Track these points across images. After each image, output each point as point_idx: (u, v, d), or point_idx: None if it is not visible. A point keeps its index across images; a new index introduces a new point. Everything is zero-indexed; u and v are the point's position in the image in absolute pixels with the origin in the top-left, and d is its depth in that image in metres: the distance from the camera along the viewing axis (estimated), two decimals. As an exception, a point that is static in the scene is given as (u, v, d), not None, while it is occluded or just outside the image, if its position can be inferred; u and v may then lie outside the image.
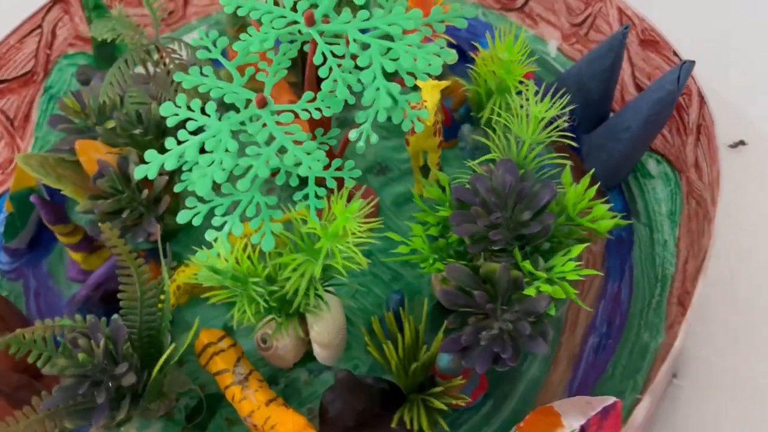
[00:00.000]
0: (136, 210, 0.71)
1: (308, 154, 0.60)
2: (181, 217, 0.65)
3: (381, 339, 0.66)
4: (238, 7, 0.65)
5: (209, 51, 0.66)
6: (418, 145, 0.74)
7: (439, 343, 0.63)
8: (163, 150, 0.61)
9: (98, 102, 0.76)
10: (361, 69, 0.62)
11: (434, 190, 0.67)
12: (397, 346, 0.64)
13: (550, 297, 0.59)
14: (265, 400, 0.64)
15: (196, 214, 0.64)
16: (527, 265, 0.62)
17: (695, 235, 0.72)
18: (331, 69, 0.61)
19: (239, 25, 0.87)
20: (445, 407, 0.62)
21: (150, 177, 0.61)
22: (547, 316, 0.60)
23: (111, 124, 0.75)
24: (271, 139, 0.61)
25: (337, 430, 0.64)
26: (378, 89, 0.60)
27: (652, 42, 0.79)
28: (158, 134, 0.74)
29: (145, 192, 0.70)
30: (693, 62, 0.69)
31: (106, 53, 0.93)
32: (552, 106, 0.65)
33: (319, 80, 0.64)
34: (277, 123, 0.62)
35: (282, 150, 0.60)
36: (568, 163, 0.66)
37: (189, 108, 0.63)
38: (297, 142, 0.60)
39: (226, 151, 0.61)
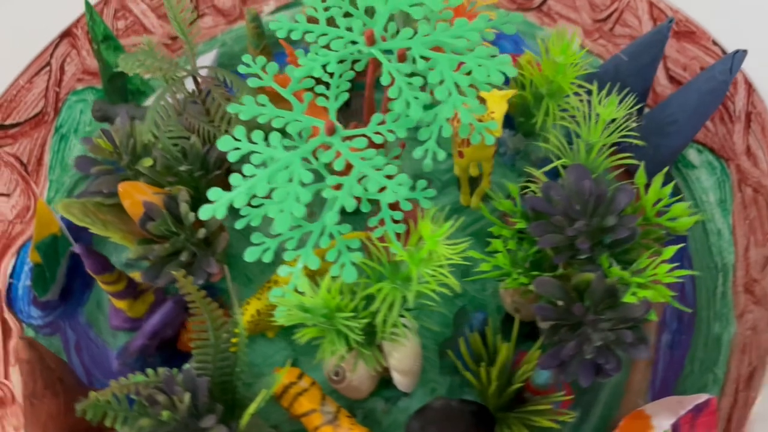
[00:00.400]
0: (189, 251, 0.67)
1: (389, 178, 0.57)
2: (250, 255, 0.62)
3: (469, 361, 0.64)
4: (291, 30, 0.63)
5: (260, 78, 0.64)
6: (474, 156, 0.72)
7: (533, 359, 0.62)
8: (224, 186, 0.58)
9: (132, 140, 0.72)
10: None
11: (506, 203, 0.65)
12: (490, 367, 0.63)
13: (649, 302, 0.58)
14: (360, 435, 0.61)
15: (265, 250, 0.61)
16: (616, 271, 0.61)
17: (756, 222, 0.73)
18: (401, 89, 0.58)
19: (262, 45, 0.84)
20: (555, 425, 0.60)
21: (219, 216, 0.58)
22: (645, 321, 0.59)
23: (148, 162, 0.71)
24: (347, 166, 0.58)
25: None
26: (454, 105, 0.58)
27: (688, 33, 0.79)
28: (206, 169, 0.70)
29: (202, 231, 0.66)
30: (745, 51, 0.69)
31: (116, 86, 0.88)
32: (620, 107, 0.64)
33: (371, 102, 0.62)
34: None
35: (362, 177, 0.57)
36: (641, 163, 0.65)
37: (251, 140, 0.60)
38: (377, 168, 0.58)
39: (302, 183, 0.58)
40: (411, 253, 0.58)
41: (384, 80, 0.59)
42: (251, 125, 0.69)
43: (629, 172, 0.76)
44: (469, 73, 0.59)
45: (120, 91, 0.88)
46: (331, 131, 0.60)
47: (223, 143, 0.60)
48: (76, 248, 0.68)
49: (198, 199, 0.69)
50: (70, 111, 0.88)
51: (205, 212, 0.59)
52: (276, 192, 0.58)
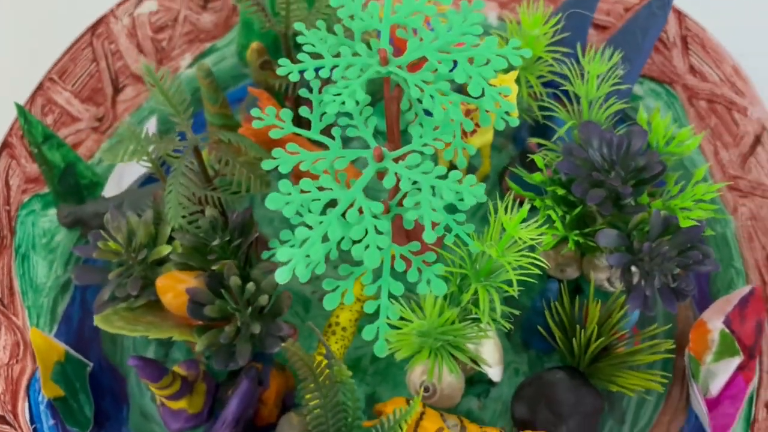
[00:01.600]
0: (256, 321, 0.64)
1: (460, 182, 0.58)
2: (329, 303, 0.61)
3: (556, 330, 0.67)
4: (320, 68, 0.61)
5: (281, 128, 0.62)
6: (479, 143, 0.74)
7: (617, 308, 0.66)
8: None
9: (140, 233, 0.67)
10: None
11: (537, 176, 0.69)
12: (580, 334, 0.66)
13: (703, 222, 0.64)
14: (497, 436, 0.62)
15: (343, 293, 0.61)
16: (659, 203, 0.66)
17: (719, 127, 0.81)
18: (432, 96, 0.59)
19: (221, 99, 0.80)
20: (655, 357, 0.65)
21: (301, 277, 0.56)
22: (704, 238, 0.65)
23: (177, 248, 0.67)
24: (413, 186, 0.58)
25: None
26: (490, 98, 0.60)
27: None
28: (238, 234, 0.67)
29: (264, 297, 0.63)
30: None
31: (68, 185, 0.80)
32: (605, 60, 0.69)
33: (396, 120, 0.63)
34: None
35: (434, 191, 0.58)
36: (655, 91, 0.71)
37: (302, 191, 0.59)
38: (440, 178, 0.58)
39: (373, 215, 0.58)
40: (491, 246, 0.59)
41: (414, 93, 0.59)
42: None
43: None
44: (487, 63, 0.61)
45: (74, 189, 0.81)
46: (381, 156, 0.59)
47: (273, 201, 0.58)
48: (132, 362, 0.63)
49: (240, 269, 0.66)
50: (24, 227, 0.80)
51: (283, 275, 0.57)
52: (353, 230, 0.57)
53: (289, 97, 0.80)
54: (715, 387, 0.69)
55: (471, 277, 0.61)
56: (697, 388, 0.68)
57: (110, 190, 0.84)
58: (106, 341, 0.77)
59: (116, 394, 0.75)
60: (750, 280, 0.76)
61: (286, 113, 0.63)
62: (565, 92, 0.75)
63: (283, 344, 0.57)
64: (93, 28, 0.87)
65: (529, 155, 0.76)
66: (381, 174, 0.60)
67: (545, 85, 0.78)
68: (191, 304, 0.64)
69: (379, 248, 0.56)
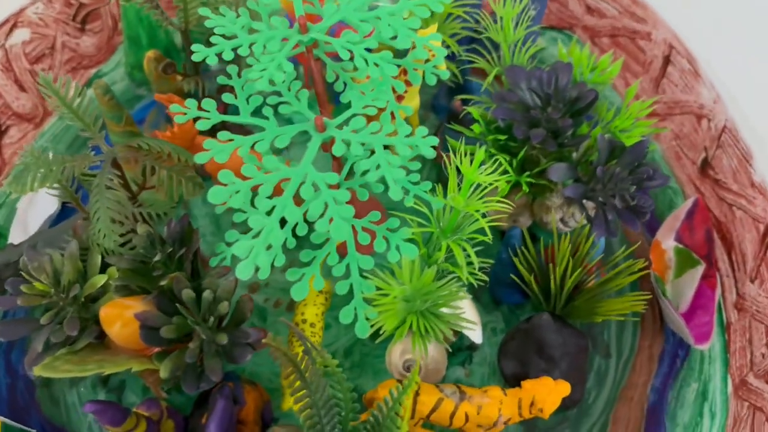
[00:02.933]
0: (222, 331, 0.58)
1: (413, 137, 0.55)
2: (297, 293, 0.56)
3: (529, 279, 0.66)
4: (238, 47, 0.57)
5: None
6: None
7: (585, 239, 0.65)
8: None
9: (77, 265, 0.59)
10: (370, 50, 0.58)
11: (476, 127, 0.67)
12: (555, 273, 0.64)
13: (646, 139, 0.64)
14: (498, 391, 0.60)
15: (310, 279, 0.57)
16: (599, 129, 0.66)
17: (631, 56, 0.83)
18: (364, 59, 0.56)
19: (125, 116, 0.74)
20: (631, 278, 0.64)
21: (263, 269, 0.52)
22: (648, 155, 0.65)
23: (101, 280, 0.60)
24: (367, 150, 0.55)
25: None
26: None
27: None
28: (179, 245, 0.60)
29: (224, 305, 0.57)
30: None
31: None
32: (515, 3, 0.69)
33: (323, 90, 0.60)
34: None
35: (388, 151, 0.55)
36: (558, 38, 0.71)
37: (245, 177, 0.54)
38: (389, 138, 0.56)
39: (328, 186, 0.54)
40: (455, 198, 0.57)
41: (343, 55, 0.56)
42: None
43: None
44: (410, 15, 0.59)
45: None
46: (323, 126, 0.56)
47: (216, 194, 0.54)
48: (89, 407, 0.55)
49: (190, 280, 0.60)
50: None
51: (244, 271, 0.52)
52: (312, 206, 0.53)
53: (199, 96, 0.75)
54: (685, 301, 0.70)
55: (439, 236, 0.59)
56: (669, 304, 0.68)
57: (16, 238, 0.75)
58: (45, 403, 0.69)
59: (70, 459, 0.66)
60: (687, 195, 0.77)
61: (209, 103, 0.58)
62: (482, 44, 0.74)
63: (264, 340, 0.51)
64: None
65: (459, 114, 0.75)
66: (326, 146, 0.56)
67: (459, 43, 0.77)
68: (144, 330, 0.57)
69: (344, 219, 0.53)
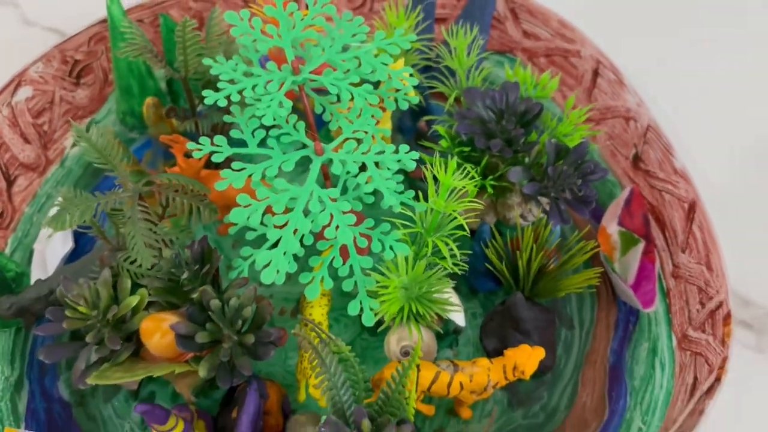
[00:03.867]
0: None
1: (398, 154, 0.67)
2: (310, 293, 0.66)
3: (499, 265, 0.77)
4: (242, 89, 0.67)
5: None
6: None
7: (543, 228, 0.77)
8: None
9: (110, 290, 0.68)
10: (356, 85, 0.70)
11: (444, 142, 0.79)
12: (521, 258, 0.76)
13: (586, 141, 0.77)
14: (486, 361, 0.70)
15: (321, 280, 0.67)
16: (546, 136, 0.79)
17: (564, 72, 0.96)
18: (351, 93, 0.68)
19: (131, 158, 0.83)
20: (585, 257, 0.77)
21: (282, 272, 0.62)
22: (588, 154, 0.78)
23: (134, 300, 0.69)
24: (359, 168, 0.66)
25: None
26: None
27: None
28: (202, 263, 0.70)
29: (248, 310, 0.67)
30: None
31: (-6, 283, 0.79)
32: (466, 35, 0.81)
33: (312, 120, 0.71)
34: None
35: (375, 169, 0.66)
36: (503, 61, 0.83)
37: (260, 199, 0.64)
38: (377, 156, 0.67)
39: (330, 199, 0.64)
40: (435, 201, 0.68)
41: (332, 90, 0.67)
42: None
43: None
44: (376, 55, 0.70)
45: (1, 284, 0.79)
46: (322, 150, 0.66)
47: (237, 215, 0.63)
48: (140, 408, 0.64)
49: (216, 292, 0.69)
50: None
51: (268, 276, 0.62)
52: (319, 218, 0.64)
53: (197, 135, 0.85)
54: (631, 274, 0.82)
55: (424, 234, 0.70)
56: (618, 278, 0.80)
57: (37, 273, 0.83)
58: (83, 421, 0.76)
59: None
60: (623, 185, 0.90)
61: (221, 139, 0.68)
62: (438, 71, 0.86)
63: (293, 331, 0.61)
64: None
65: (425, 134, 0.86)
66: (325, 166, 0.67)
67: (419, 72, 0.89)
68: (180, 338, 0.66)
69: (348, 226, 0.63)
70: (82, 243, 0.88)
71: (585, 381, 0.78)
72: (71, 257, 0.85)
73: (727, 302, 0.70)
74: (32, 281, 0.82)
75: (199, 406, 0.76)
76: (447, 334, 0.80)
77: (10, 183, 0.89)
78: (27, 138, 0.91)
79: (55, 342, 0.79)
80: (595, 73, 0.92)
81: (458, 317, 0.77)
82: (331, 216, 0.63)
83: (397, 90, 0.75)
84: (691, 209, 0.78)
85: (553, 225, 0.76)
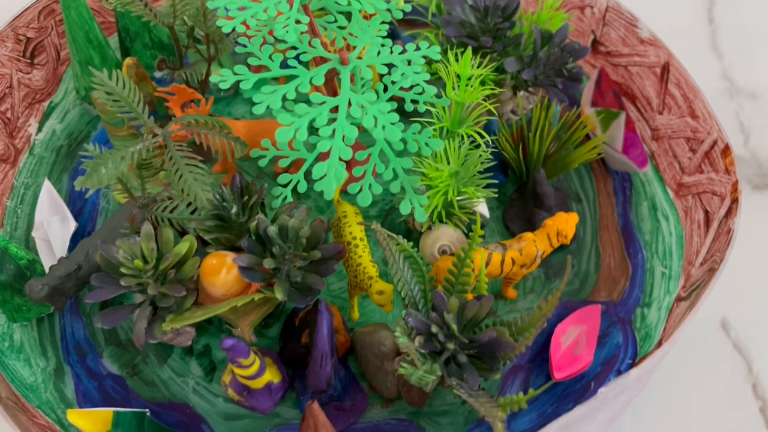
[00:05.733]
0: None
1: (425, 52, 0.69)
2: (327, 187, 0.67)
3: (511, 153, 0.82)
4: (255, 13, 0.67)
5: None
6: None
7: (546, 106, 0.82)
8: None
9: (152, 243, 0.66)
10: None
11: (431, 38, 0.82)
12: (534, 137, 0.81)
13: (566, 23, 0.82)
14: (530, 234, 0.75)
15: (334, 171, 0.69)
16: (527, 27, 0.84)
17: None
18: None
19: (126, 121, 0.80)
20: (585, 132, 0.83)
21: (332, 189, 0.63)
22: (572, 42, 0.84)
23: (185, 246, 0.67)
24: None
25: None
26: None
27: None
28: (249, 196, 0.69)
29: (305, 230, 0.67)
30: None
31: (9, 270, 0.74)
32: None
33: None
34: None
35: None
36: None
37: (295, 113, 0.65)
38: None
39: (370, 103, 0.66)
40: (456, 94, 0.71)
41: (343, 3, 0.69)
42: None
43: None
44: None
45: (17, 273, 0.75)
46: (347, 60, 0.68)
47: (281, 134, 0.64)
48: (227, 343, 0.63)
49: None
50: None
51: (329, 185, 0.63)
52: (365, 120, 0.65)
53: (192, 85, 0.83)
54: (618, 144, 0.89)
55: (451, 128, 0.73)
56: (610, 148, 0.87)
57: (47, 260, 0.79)
58: (142, 389, 0.74)
59: (188, 423, 0.72)
60: (587, 74, 0.97)
61: (241, 68, 0.68)
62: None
63: (371, 225, 0.62)
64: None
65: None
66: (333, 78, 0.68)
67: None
68: (245, 271, 0.66)
69: (394, 124, 0.65)
70: (81, 221, 0.85)
71: (604, 244, 0.85)
72: (75, 236, 0.82)
73: (722, 138, 0.78)
74: (45, 267, 0.78)
75: (258, 345, 0.76)
76: (470, 231, 0.84)
77: (-14, 177, 0.83)
78: (-7, 127, 0.85)
79: (107, 309, 0.75)
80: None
81: (483, 208, 0.81)
82: (375, 118, 0.65)
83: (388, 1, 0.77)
84: (664, 71, 0.86)
85: (553, 100, 0.81)
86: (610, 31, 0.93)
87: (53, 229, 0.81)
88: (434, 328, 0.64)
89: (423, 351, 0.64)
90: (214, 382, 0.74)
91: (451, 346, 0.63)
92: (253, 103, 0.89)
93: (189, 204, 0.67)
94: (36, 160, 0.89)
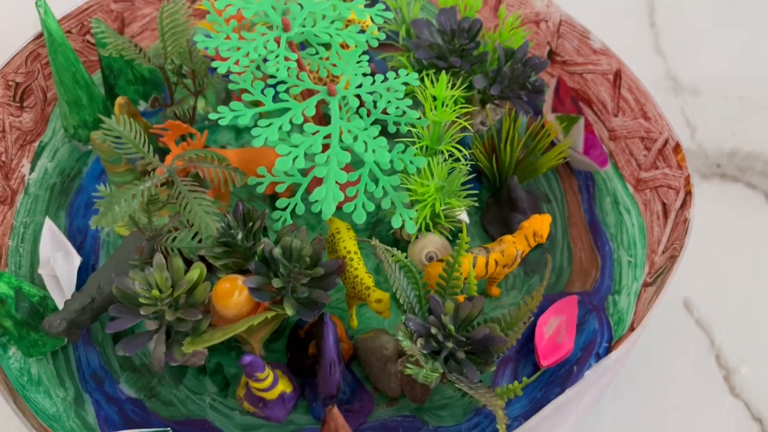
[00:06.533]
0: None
1: (405, 79, 0.76)
2: (326, 208, 0.74)
3: (485, 163, 0.89)
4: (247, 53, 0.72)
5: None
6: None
7: (513, 118, 0.90)
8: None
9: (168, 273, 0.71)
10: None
11: (403, 61, 0.89)
12: (504, 147, 0.88)
13: (526, 40, 0.90)
14: (509, 236, 0.82)
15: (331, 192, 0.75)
16: (490, 45, 0.91)
17: None
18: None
19: (123, 159, 0.84)
20: (555, 133, 0.90)
21: (331, 211, 0.70)
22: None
23: (195, 272, 0.72)
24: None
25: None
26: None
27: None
28: (252, 222, 0.74)
29: (307, 249, 0.73)
30: None
31: (25, 309, 0.78)
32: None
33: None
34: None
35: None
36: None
37: (294, 144, 0.71)
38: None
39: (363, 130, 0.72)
40: (434, 114, 0.78)
41: (323, 37, 0.75)
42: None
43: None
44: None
45: (32, 311, 0.79)
46: (335, 90, 0.74)
47: (282, 164, 0.70)
48: (246, 359, 0.69)
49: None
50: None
51: (329, 207, 0.69)
52: (355, 146, 0.71)
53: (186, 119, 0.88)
54: (580, 146, 0.97)
55: (432, 145, 0.79)
56: (572, 150, 0.95)
57: (56, 295, 0.83)
58: (160, 409, 0.79)
59: (208, 437, 0.77)
60: (547, 83, 1.05)
61: (237, 104, 0.73)
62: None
63: (371, 242, 0.69)
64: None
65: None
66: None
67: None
68: (255, 291, 0.71)
69: (382, 148, 0.72)
70: (84, 255, 0.89)
71: (575, 240, 0.93)
72: (81, 271, 0.86)
73: (672, 136, 0.87)
74: (56, 302, 0.82)
75: (266, 359, 0.81)
76: (455, 237, 0.91)
77: (-14, 219, 0.87)
78: (-11, 172, 0.88)
79: (127, 337, 0.79)
80: (498, -10, 1.05)
81: (464, 215, 0.88)
82: (365, 143, 0.71)
83: (362, 31, 0.83)
84: (617, 77, 0.94)
85: (524, 115, 0.88)
86: (564, 42, 1.01)
87: (59, 264, 0.85)
88: (433, 330, 0.70)
89: (424, 351, 0.70)
90: (229, 396, 0.79)
91: (450, 344, 0.70)
92: (238, 131, 0.95)
93: (195, 234, 0.72)
94: (31, 199, 0.93)
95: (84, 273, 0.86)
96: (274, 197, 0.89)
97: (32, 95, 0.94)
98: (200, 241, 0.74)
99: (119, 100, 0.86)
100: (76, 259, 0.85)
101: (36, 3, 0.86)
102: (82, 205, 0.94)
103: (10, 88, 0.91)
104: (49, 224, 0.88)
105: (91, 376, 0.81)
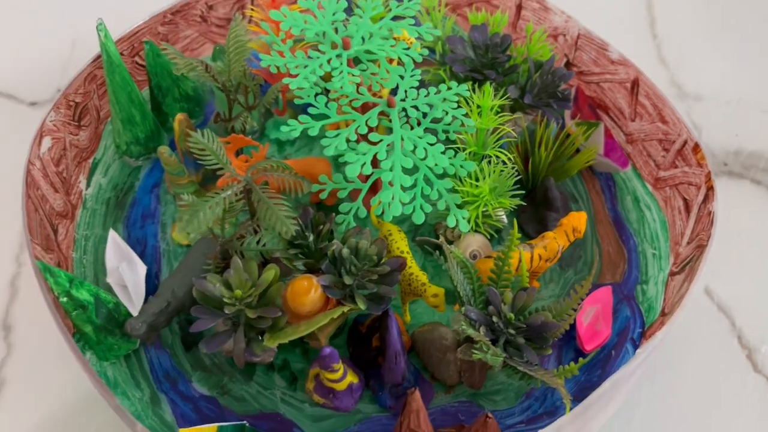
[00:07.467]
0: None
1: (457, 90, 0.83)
2: (417, 219, 0.81)
3: (519, 166, 0.96)
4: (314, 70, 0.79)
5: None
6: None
7: (549, 132, 0.97)
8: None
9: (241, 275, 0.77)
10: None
11: (441, 73, 0.95)
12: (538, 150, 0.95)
13: (553, 54, 0.97)
14: (550, 233, 0.89)
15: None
16: (518, 59, 0.99)
17: None
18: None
19: (186, 174, 0.89)
20: (587, 133, 0.98)
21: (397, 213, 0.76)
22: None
23: (270, 273, 0.78)
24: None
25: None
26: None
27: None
28: (320, 224, 0.80)
29: (373, 248, 0.79)
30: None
31: (103, 314, 0.83)
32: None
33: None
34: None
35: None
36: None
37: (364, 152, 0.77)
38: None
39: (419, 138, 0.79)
40: (480, 121, 0.85)
41: (380, 54, 0.81)
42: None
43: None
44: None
45: (110, 316, 0.84)
46: (394, 102, 0.80)
47: (351, 170, 0.76)
48: (326, 351, 0.74)
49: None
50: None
51: (396, 210, 0.76)
52: (417, 152, 0.78)
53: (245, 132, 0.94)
54: (600, 149, 1.05)
55: (478, 150, 0.86)
56: (596, 155, 1.03)
57: (126, 302, 0.87)
58: (233, 405, 0.84)
59: (281, 429, 0.82)
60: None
61: (305, 117, 0.79)
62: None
63: (439, 242, 0.75)
64: (27, 182, 0.88)
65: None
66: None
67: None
68: (328, 288, 0.77)
69: (440, 153, 0.78)
70: (147, 263, 0.93)
71: (602, 235, 1.00)
72: (149, 277, 0.91)
73: (691, 138, 0.95)
74: (130, 309, 0.87)
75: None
76: (492, 237, 0.98)
77: (55, 232, 0.91)
78: (55, 187, 0.93)
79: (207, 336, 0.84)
80: (519, 7, 1.13)
81: (503, 215, 0.95)
82: (425, 150, 0.78)
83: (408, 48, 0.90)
84: (634, 85, 1.03)
85: (550, 119, 0.96)
86: (582, 54, 1.09)
87: (126, 273, 0.89)
88: (494, 318, 0.77)
89: (486, 339, 0.77)
90: (298, 390, 0.85)
91: (510, 331, 0.77)
92: (280, 144, 1.01)
93: (259, 239, 0.78)
94: (89, 212, 0.97)
95: (149, 281, 0.91)
96: (319, 205, 0.95)
97: (88, 114, 0.99)
98: (264, 244, 0.79)
99: (179, 116, 0.92)
100: (141, 268, 0.90)
101: (97, 27, 0.91)
102: (138, 216, 0.99)
103: (71, 107, 0.96)
104: (113, 235, 0.92)
105: (164, 376, 0.85)
